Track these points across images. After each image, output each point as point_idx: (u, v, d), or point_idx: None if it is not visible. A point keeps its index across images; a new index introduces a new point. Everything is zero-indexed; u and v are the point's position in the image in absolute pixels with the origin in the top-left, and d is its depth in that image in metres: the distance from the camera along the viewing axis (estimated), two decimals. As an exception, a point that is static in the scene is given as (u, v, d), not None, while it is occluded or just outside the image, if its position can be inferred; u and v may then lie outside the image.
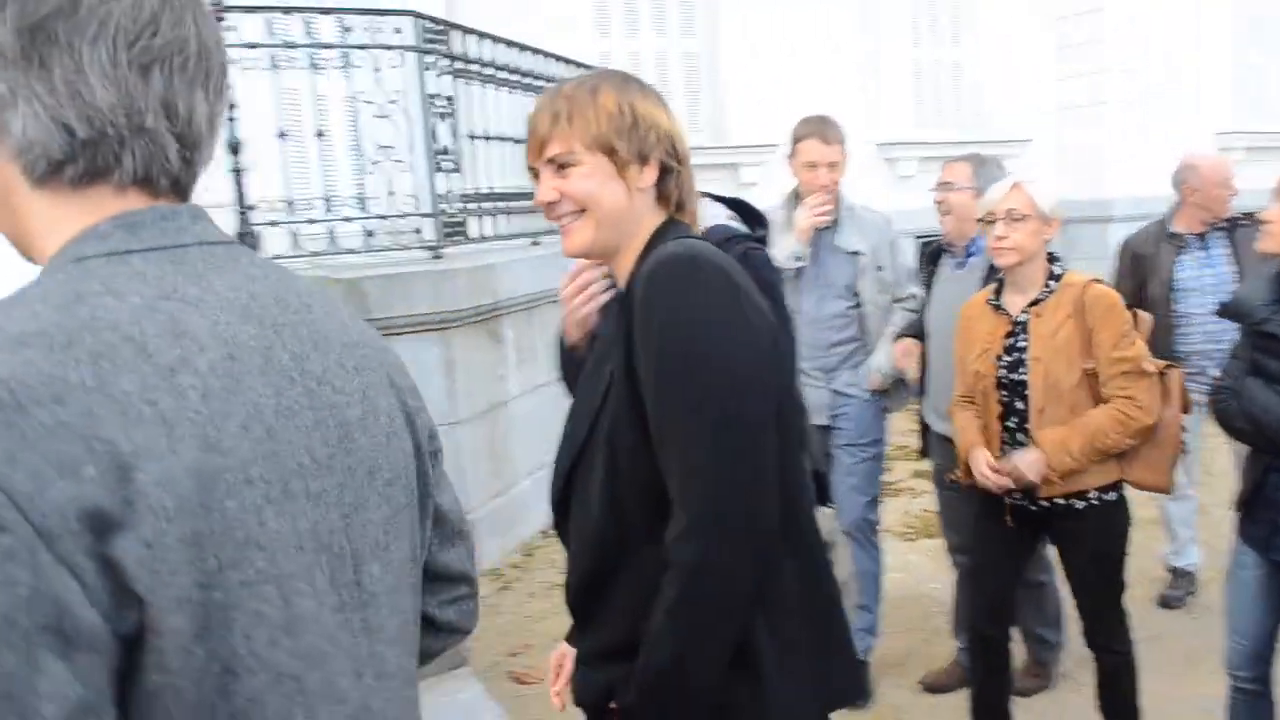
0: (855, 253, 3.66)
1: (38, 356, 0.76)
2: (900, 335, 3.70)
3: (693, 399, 1.40)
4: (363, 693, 0.92)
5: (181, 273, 0.88)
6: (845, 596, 1.98)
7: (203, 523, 0.79)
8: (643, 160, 1.55)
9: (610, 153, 1.53)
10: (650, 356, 1.43)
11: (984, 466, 2.92)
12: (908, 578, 4.81)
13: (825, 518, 2.11)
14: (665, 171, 1.58)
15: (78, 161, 0.86)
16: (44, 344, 0.77)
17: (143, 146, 0.88)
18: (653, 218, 1.59)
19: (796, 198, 3.69)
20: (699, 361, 1.40)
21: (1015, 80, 9.48)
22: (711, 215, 2.11)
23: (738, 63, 8.39)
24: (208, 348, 0.84)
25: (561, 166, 1.56)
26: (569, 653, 1.85)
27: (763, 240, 2.07)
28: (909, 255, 3.98)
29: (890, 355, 3.67)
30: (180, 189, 0.93)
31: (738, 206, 2.13)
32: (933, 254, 3.80)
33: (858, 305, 3.70)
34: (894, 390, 3.77)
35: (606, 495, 1.51)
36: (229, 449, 0.82)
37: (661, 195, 1.59)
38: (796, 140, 3.66)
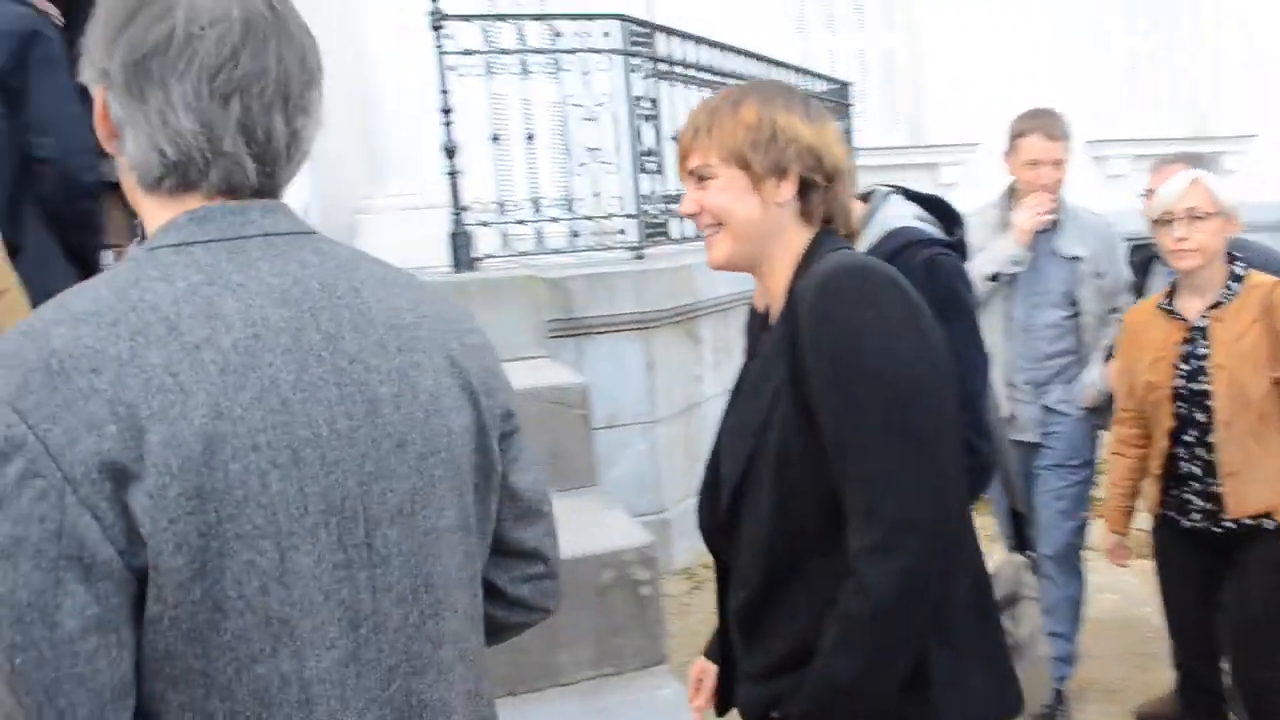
0: (1075, 258, 3.49)
1: (87, 332, 0.92)
2: (1113, 349, 3.51)
3: (877, 410, 1.39)
4: (355, 642, 1.03)
5: (235, 261, 1.02)
6: (1029, 650, 1.88)
7: (205, 480, 0.92)
8: (779, 174, 1.52)
9: (745, 166, 1.52)
10: (825, 367, 1.41)
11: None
12: (1120, 600, 4.58)
13: (1015, 566, 1.97)
14: (808, 186, 1.54)
15: (171, 177, 1.04)
16: (95, 321, 0.93)
17: (223, 165, 1.04)
18: (798, 233, 1.57)
19: (1012, 196, 3.54)
20: (879, 372, 1.39)
21: (1237, 70, 8.87)
22: (897, 216, 2.03)
23: (938, 59, 8.16)
24: (234, 328, 0.98)
25: (701, 179, 1.56)
26: (708, 668, 1.85)
27: (957, 244, 1.99)
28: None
29: (1105, 370, 3.46)
30: (264, 195, 1.07)
31: (933, 205, 2.05)
32: (1143, 262, 3.58)
33: (1075, 314, 3.52)
34: (1107, 407, 3.56)
35: (777, 508, 1.49)
36: (238, 417, 0.95)
37: (804, 211, 1.56)
38: (1017, 136, 3.50)
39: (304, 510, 0.99)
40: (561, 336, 4.69)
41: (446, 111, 4.52)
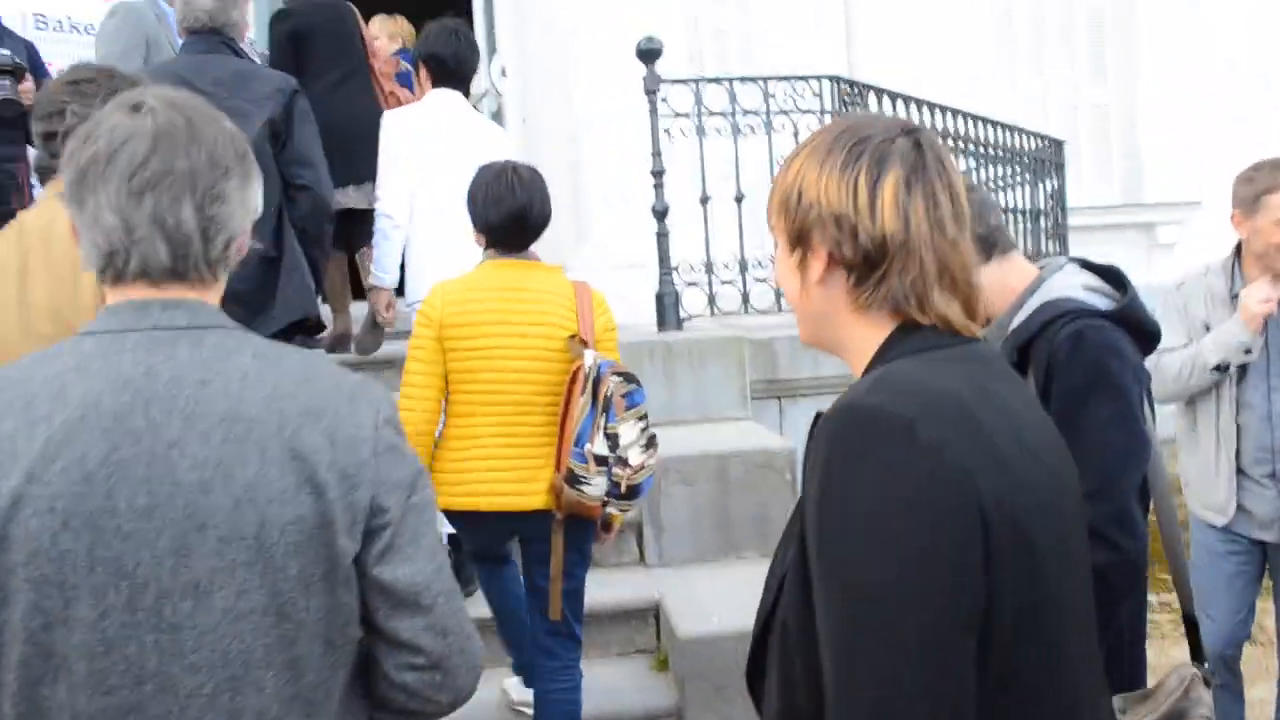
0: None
1: None
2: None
3: (833, 605, 1.07)
4: (138, 696, 1.18)
5: (107, 350, 1.23)
6: None
7: (9, 530, 1.16)
8: (803, 246, 1.21)
9: (780, 234, 1.24)
10: (810, 533, 1.11)
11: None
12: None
13: (1184, 679, 1.72)
14: (848, 265, 1.18)
15: (108, 269, 1.26)
16: None
17: (139, 251, 1.24)
18: (865, 323, 1.21)
19: (1238, 260, 3.22)
20: (837, 564, 1.07)
21: None
22: (1063, 286, 1.93)
23: (1155, 112, 7.76)
24: (69, 408, 1.19)
25: None
26: None
27: (1120, 314, 1.85)
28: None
29: None
30: (180, 274, 1.27)
31: (1110, 276, 1.91)
32: None
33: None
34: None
35: (780, 680, 1.19)
36: (45, 483, 1.16)
37: (859, 296, 1.19)
38: (1265, 192, 3.14)
39: (91, 569, 1.17)
40: (765, 398, 4.64)
41: (658, 174, 4.57)
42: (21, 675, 1.18)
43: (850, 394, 1.13)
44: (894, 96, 5.17)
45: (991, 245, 2.03)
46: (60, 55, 4.63)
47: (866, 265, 1.17)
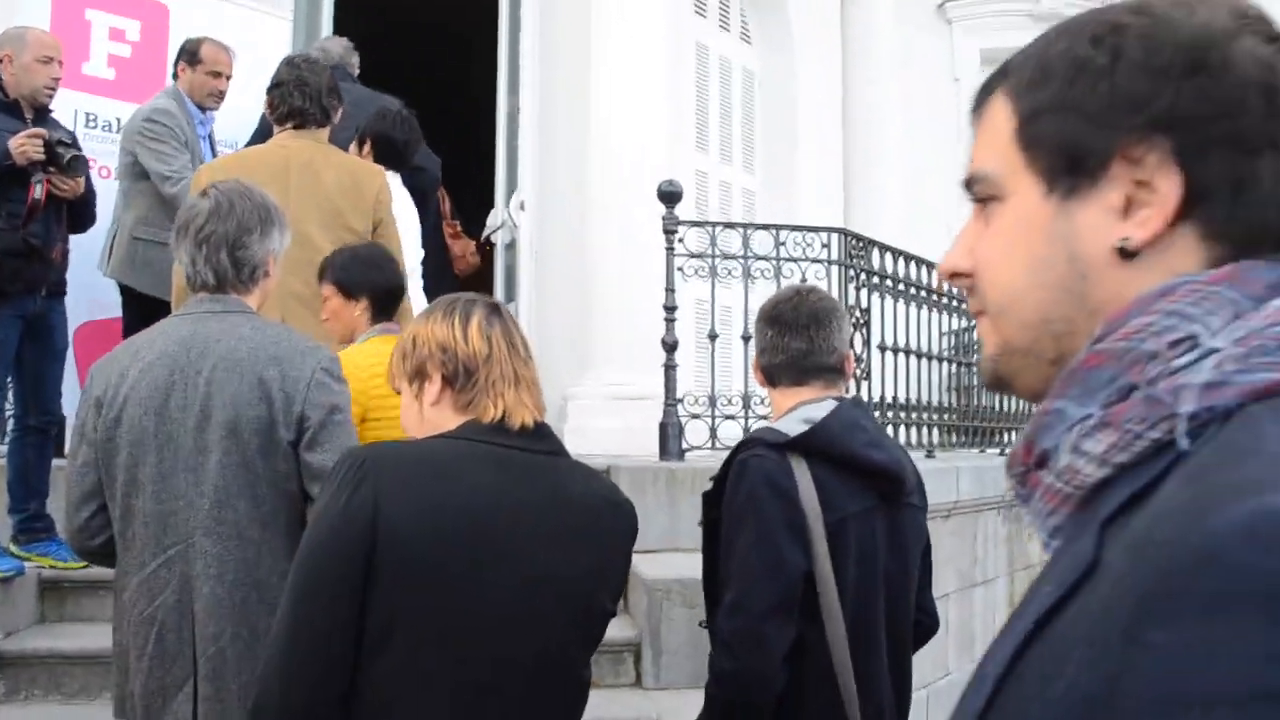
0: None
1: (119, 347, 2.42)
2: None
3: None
4: (174, 506, 2.18)
5: (180, 323, 2.30)
6: None
7: (121, 414, 2.20)
8: (421, 377, 1.79)
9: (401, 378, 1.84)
10: None
11: None
12: None
13: None
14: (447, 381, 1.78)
15: (191, 285, 2.35)
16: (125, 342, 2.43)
17: (199, 277, 2.31)
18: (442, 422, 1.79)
19: None
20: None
21: None
22: (789, 417, 2.20)
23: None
24: (153, 352, 2.24)
25: None
26: None
27: (800, 441, 2.09)
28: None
29: None
30: (221, 288, 2.31)
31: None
32: None
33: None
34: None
35: None
36: (137, 390, 2.20)
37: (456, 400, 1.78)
38: None
39: (155, 436, 2.18)
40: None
41: (671, 309, 4.76)
42: (123, 492, 2.21)
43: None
44: (895, 253, 5.44)
45: (774, 377, 2.31)
46: (106, 154, 4.82)
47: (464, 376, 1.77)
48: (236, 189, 2.36)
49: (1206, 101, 0.66)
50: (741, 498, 2.10)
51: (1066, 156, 0.71)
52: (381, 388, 2.89)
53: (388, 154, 4.08)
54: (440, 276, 5.25)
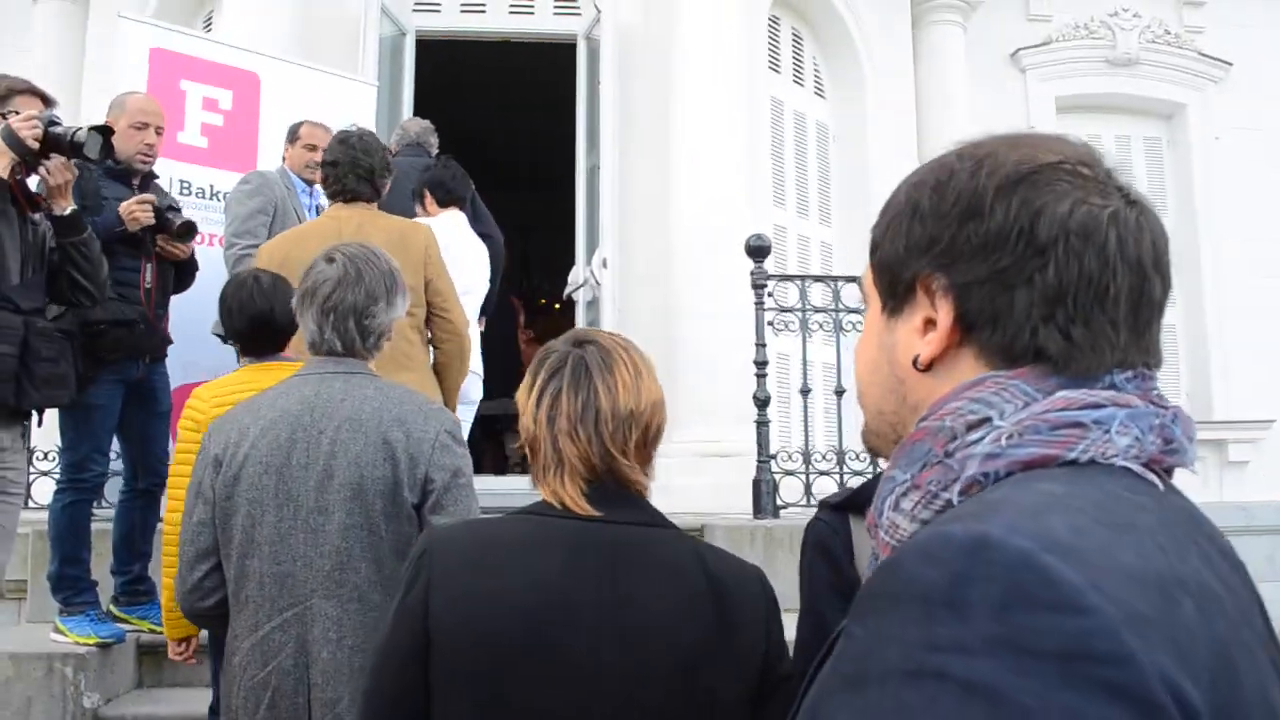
0: None
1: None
2: None
3: None
4: (291, 567, 2.13)
5: (299, 384, 2.27)
6: None
7: (237, 471, 2.18)
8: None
9: None
10: None
11: None
12: None
13: None
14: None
15: (311, 347, 2.34)
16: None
17: (325, 344, 2.30)
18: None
19: None
20: None
21: None
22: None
23: (1223, 332, 7.92)
24: (276, 411, 2.22)
25: None
26: None
27: (848, 500, 1.86)
28: None
29: None
30: (346, 354, 2.30)
31: None
32: None
33: None
34: None
35: None
36: (258, 448, 2.18)
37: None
38: None
39: (275, 495, 2.15)
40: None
41: (762, 364, 4.70)
42: (240, 552, 2.16)
43: None
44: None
45: None
46: (200, 220, 4.89)
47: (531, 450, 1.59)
48: (363, 255, 2.34)
49: (974, 244, 0.78)
50: (801, 564, 2.01)
51: (888, 282, 0.85)
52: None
53: (447, 194, 4.59)
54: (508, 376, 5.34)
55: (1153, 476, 0.74)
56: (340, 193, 3.66)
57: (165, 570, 2.99)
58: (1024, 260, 0.77)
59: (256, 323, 3.02)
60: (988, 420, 0.75)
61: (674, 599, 1.54)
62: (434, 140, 5.36)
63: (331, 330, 2.27)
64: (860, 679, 0.65)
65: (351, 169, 3.64)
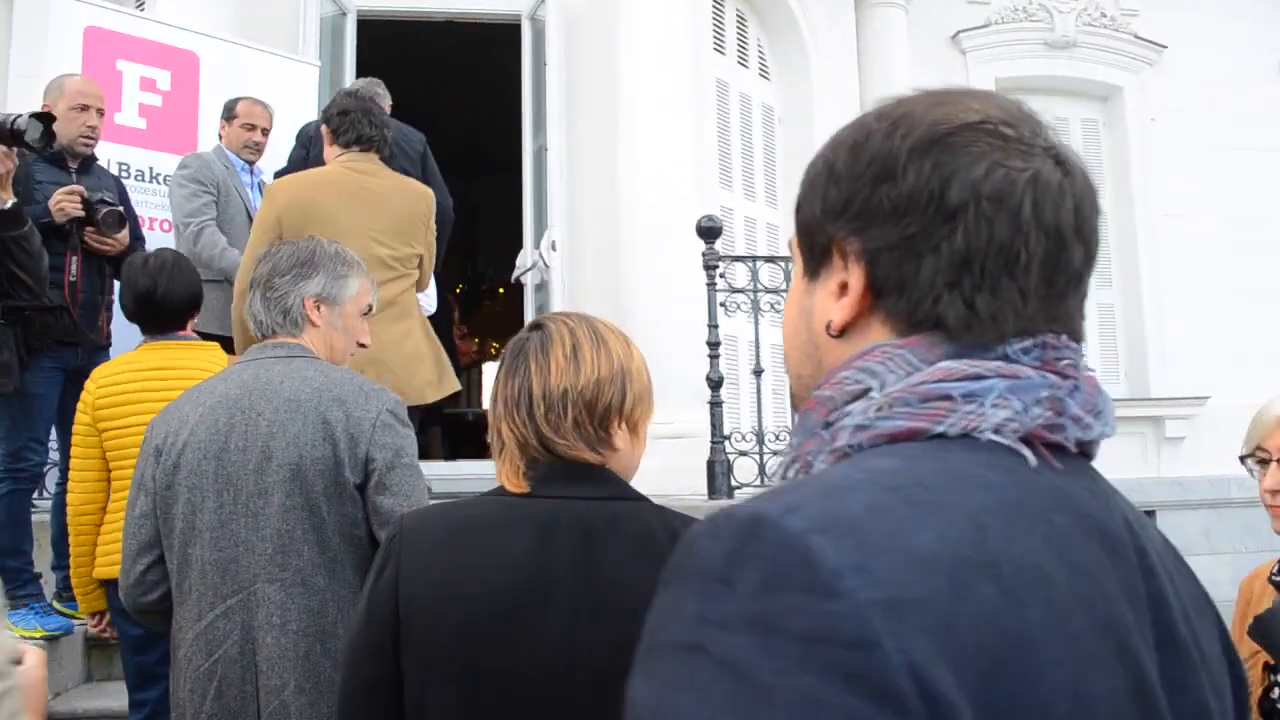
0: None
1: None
2: None
3: None
4: (234, 553, 2.08)
5: (241, 369, 2.24)
6: None
7: (180, 460, 2.13)
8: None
9: None
10: None
11: None
12: None
13: None
14: None
15: (257, 331, 2.32)
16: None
17: (263, 329, 2.32)
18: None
19: None
20: None
21: None
22: None
23: (1160, 311, 8.09)
24: (215, 396, 2.18)
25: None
26: None
27: None
28: None
29: None
30: (271, 333, 2.29)
31: None
32: None
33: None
34: None
35: None
36: (197, 434, 2.13)
37: None
38: None
39: (214, 480, 2.10)
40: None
41: (714, 345, 4.71)
42: (180, 541, 2.12)
43: None
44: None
45: None
46: (140, 204, 4.77)
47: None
48: (308, 245, 2.38)
49: (886, 208, 0.76)
50: None
51: (808, 245, 0.84)
52: (110, 397, 3.00)
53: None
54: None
55: (1026, 451, 0.71)
56: (356, 140, 3.66)
57: (73, 552, 2.99)
58: (933, 226, 0.74)
59: (140, 300, 3.06)
60: (868, 391, 0.74)
61: (645, 568, 1.51)
62: (382, 92, 5.20)
63: (267, 313, 2.30)
64: (649, 648, 0.66)
65: (365, 115, 3.67)
